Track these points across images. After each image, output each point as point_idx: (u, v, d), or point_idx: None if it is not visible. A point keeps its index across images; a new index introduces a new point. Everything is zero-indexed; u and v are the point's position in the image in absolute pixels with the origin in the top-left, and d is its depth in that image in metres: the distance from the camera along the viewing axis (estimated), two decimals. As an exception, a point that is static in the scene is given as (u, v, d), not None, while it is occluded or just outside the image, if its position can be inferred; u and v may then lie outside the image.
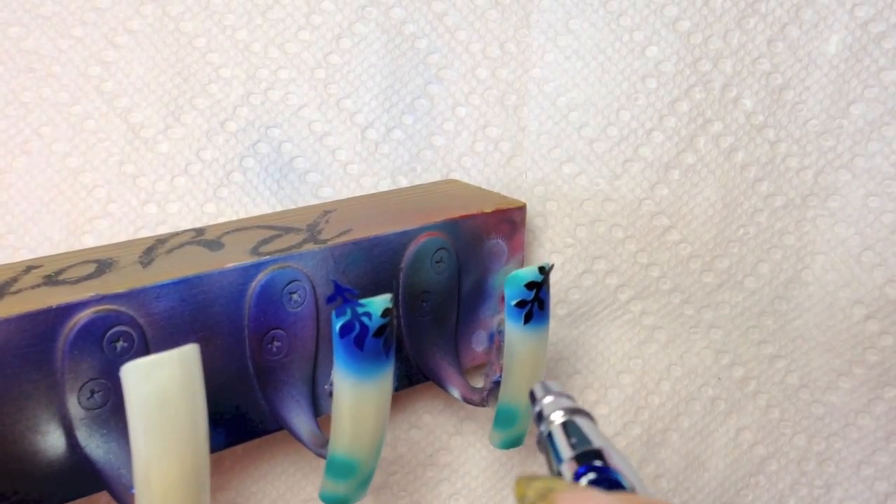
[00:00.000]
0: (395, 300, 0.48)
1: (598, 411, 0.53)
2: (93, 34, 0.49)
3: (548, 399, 0.38)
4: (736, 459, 0.54)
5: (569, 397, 0.38)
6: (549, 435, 0.36)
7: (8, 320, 0.38)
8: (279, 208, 0.50)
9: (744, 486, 0.54)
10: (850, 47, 0.52)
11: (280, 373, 0.45)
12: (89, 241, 0.48)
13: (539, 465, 0.54)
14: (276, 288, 0.44)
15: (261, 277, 0.43)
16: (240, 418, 0.45)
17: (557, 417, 0.36)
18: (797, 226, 0.53)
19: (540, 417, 0.37)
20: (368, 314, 0.38)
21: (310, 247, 0.45)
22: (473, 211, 0.49)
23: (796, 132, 0.53)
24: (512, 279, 0.43)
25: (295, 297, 0.44)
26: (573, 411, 0.37)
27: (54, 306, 0.38)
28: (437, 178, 0.52)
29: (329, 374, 0.42)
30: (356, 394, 0.39)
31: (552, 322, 0.53)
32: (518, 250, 0.50)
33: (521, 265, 0.50)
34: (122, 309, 0.40)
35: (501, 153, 0.52)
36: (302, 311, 0.45)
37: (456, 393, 0.48)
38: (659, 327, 0.53)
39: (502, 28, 0.52)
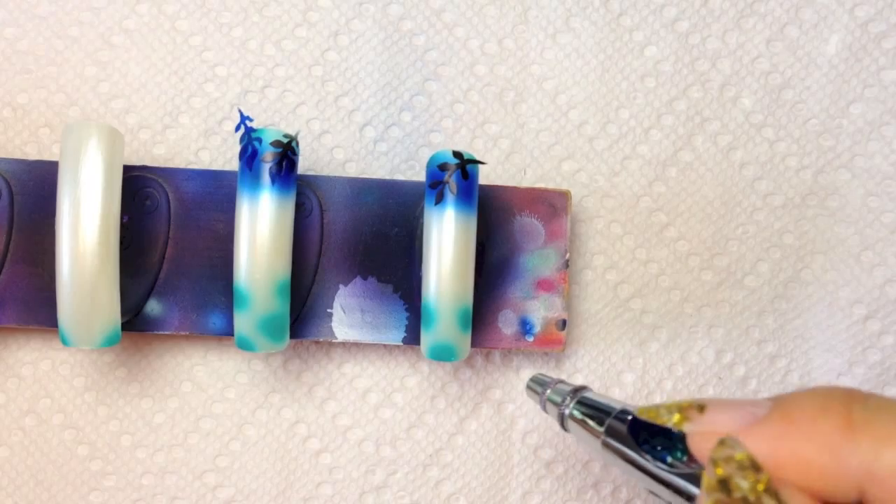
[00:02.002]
0: (411, 248, 0.50)
1: (597, 411, 0.53)
2: (88, 34, 0.49)
3: (549, 389, 0.42)
4: (735, 459, 0.54)
5: (563, 381, 0.43)
6: (573, 416, 0.41)
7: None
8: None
9: (743, 486, 0.54)
10: (849, 47, 0.52)
11: None
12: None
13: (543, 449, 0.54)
14: None
15: None
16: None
17: (570, 400, 0.41)
18: (796, 225, 0.53)
19: (553, 404, 0.42)
20: (259, 139, 0.44)
21: (327, 173, 0.51)
22: (502, 184, 0.51)
23: (796, 131, 0.53)
24: (430, 160, 0.46)
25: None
26: (578, 389, 0.42)
27: None
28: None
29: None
30: (248, 212, 0.44)
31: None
32: (559, 236, 0.50)
33: (565, 252, 0.51)
34: (157, 179, 0.49)
35: (501, 150, 0.52)
36: None
37: None
38: (659, 326, 0.53)
39: (500, 25, 0.52)
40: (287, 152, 0.44)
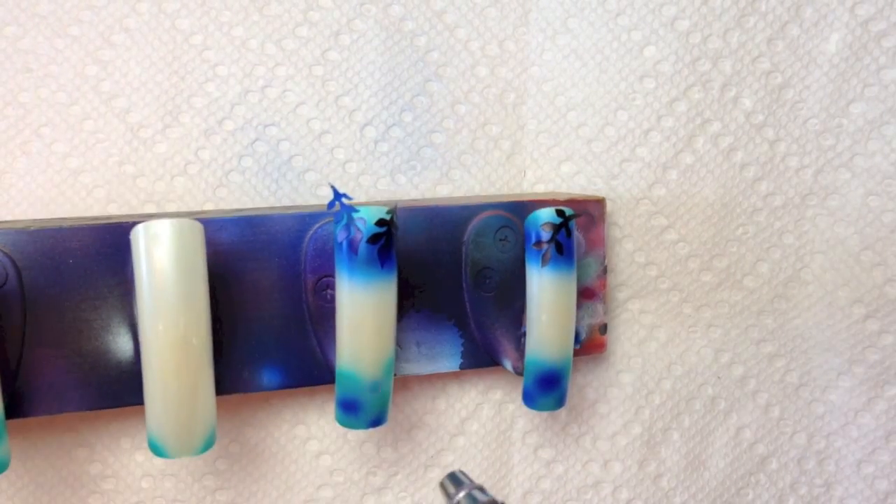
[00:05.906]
0: (460, 273, 0.49)
1: (599, 410, 0.53)
2: (89, 33, 0.49)
3: (462, 493, 0.40)
4: (736, 458, 0.54)
5: (481, 489, 0.40)
6: None
7: (88, 227, 0.44)
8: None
9: (744, 485, 0.54)
10: (850, 46, 0.52)
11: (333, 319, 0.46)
12: (89, 241, 0.48)
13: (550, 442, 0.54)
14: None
15: (317, 227, 0.46)
16: (296, 361, 0.48)
17: None
18: (796, 225, 0.53)
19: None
20: (363, 220, 0.40)
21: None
22: (544, 198, 0.49)
23: (796, 131, 0.53)
24: (531, 219, 0.45)
25: None
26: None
27: (131, 222, 0.44)
28: (436, 176, 0.52)
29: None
30: (353, 300, 0.41)
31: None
32: (598, 244, 0.50)
33: (604, 260, 0.51)
34: None
35: (501, 151, 0.52)
36: None
37: (508, 364, 0.48)
38: (658, 326, 0.53)
39: (501, 26, 0.52)
40: (391, 229, 0.41)
